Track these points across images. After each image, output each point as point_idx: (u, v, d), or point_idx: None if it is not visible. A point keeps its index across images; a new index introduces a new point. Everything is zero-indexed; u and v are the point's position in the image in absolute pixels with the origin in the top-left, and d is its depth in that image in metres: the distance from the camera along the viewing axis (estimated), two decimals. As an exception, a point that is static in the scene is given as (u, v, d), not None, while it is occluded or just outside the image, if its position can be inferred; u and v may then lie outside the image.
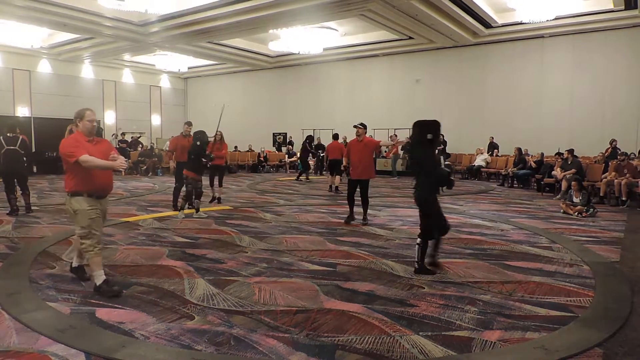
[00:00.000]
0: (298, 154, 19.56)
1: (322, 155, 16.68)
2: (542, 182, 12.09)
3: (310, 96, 22.01)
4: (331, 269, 4.86)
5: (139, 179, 15.60)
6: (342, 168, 11.82)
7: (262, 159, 20.56)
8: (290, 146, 20.94)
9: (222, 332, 3.27)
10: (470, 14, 14.23)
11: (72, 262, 4.47)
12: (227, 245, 5.94)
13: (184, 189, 8.15)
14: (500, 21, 15.31)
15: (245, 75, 24.01)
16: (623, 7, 13.49)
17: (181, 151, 8.31)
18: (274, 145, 22.86)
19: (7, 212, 8.07)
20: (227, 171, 14.35)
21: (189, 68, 22.57)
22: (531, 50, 16.42)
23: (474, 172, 15.94)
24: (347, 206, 7.73)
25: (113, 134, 20.93)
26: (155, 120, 25.12)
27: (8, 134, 7.98)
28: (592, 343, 3.11)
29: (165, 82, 25.68)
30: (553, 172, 11.52)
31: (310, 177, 15.74)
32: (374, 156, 17.48)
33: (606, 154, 12.69)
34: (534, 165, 13.01)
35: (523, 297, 4.00)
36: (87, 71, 21.92)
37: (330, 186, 12.42)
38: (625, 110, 14.66)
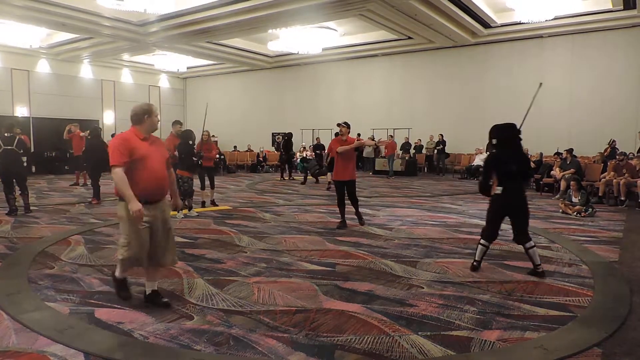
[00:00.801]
0: (298, 154, 19.58)
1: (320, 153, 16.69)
2: (541, 182, 12.10)
3: (310, 96, 22.01)
4: (330, 269, 4.86)
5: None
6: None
7: (261, 159, 20.56)
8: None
9: (221, 332, 3.27)
10: (469, 14, 14.24)
11: (145, 291, 3.82)
12: (226, 245, 5.94)
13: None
14: (499, 21, 15.32)
15: (245, 75, 24.00)
16: (622, 7, 13.51)
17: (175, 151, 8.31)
18: (273, 145, 22.85)
19: (6, 212, 8.06)
20: (216, 172, 14.28)
21: (188, 68, 22.57)
22: (530, 50, 16.45)
23: (472, 172, 15.95)
24: (347, 207, 7.68)
25: (112, 134, 20.86)
26: (155, 120, 25.09)
27: (5, 134, 7.97)
28: (591, 343, 3.11)
29: (164, 82, 25.66)
30: (552, 172, 11.53)
31: (286, 178, 15.73)
32: (374, 156, 17.66)
33: (605, 154, 12.70)
34: (532, 165, 13.01)
35: (522, 297, 4.01)
36: (86, 71, 21.90)
37: (329, 183, 12.61)
38: (624, 110, 14.67)
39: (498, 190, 4.54)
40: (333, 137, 13.31)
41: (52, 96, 20.36)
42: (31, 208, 8.40)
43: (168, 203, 3.85)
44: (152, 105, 3.71)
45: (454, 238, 6.38)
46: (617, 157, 10.59)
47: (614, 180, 9.83)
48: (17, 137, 8.02)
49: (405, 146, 18.40)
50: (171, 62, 20.72)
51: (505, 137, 4.60)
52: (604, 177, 10.31)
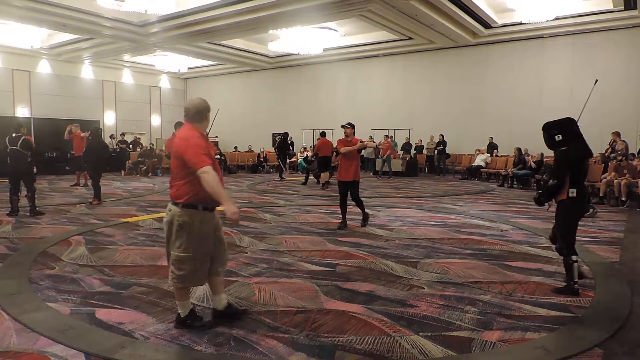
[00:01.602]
0: (298, 154, 19.60)
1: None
2: (541, 183, 12.07)
3: (310, 96, 22.02)
4: (331, 269, 4.86)
5: (138, 180, 15.59)
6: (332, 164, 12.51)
7: (261, 159, 20.57)
8: (290, 147, 20.91)
9: (222, 332, 3.27)
10: (469, 14, 14.24)
11: (214, 308, 3.51)
12: (227, 245, 5.92)
13: None
14: (499, 21, 15.32)
15: (245, 76, 24.02)
16: (622, 8, 13.50)
17: None
18: (273, 146, 22.86)
19: (7, 212, 8.06)
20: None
21: (188, 68, 22.58)
22: (531, 50, 16.43)
23: (473, 172, 15.95)
24: (347, 207, 7.68)
25: (111, 135, 20.85)
26: (155, 120, 25.12)
27: (13, 134, 8.02)
28: (591, 343, 3.11)
29: (165, 83, 25.67)
30: (553, 173, 11.50)
31: (283, 177, 15.81)
32: (374, 156, 17.65)
33: (606, 154, 12.68)
34: (533, 165, 13.00)
35: (523, 298, 4.00)
36: (86, 71, 21.91)
37: (323, 182, 13.16)
38: (625, 110, 14.66)
39: (572, 192, 4.06)
40: (320, 136, 13.77)
41: (53, 97, 20.38)
42: (38, 209, 8.24)
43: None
44: (206, 101, 3.37)
45: (455, 238, 6.38)
46: (617, 157, 10.58)
47: (615, 181, 9.82)
48: (23, 138, 8.03)
49: (406, 146, 18.41)
50: (172, 62, 20.72)
51: (575, 131, 4.20)
52: (605, 178, 10.30)
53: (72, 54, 19.52)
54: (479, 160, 15.78)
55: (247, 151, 21.39)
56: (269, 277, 4.59)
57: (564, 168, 4.10)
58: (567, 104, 15.63)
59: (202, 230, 3.18)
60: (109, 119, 22.76)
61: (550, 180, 4.19)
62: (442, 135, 17.22)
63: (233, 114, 24.08)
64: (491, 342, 3.14)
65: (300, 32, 15.80)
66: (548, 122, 4.32)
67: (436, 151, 17.51)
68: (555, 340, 3.17)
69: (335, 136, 15.49)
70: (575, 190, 4.05)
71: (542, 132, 4.33)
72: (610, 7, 13.59)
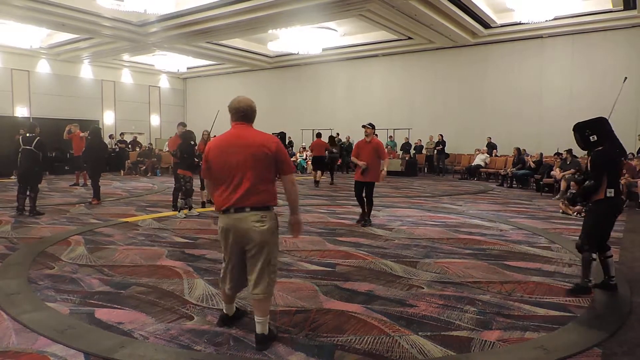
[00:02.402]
0: (298, 155, 19.60)
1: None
2: (541, 182, 12.10)
3: (310, 96, 22.01)
4: (330, 269, 4.86)
5: (137, 179, 15.59)
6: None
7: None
8: (290, 147, 20.92)
9: (222, 332, 3.26)
10: (469, 14, 14.24)
11: (226, 313, 3.38)
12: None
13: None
14: (499, 21, 15.33)
15: (245, 76, 24.00)
16: (622, 8, 13.51)
17: None
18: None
19: (15, 210, 8.13)
20: None
21: (188, 68, 22.57)
22: (530, 50, 16.44)
23: (472, 172, 15.96)
24: (346, 207, 7.71)
25: (110, 135, 20.79)
26: (155, 120, 25.11)
27: (27, 134, 8.04)
28: (591, 343, 3.12)
29: (164, 82, 25.67)
30: (552, 172, 11.53)
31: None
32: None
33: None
34: (533, 165, 13.03)
35: (522, 297, 4.01)
36: (86, 71, 21.90)
37: (316, 181, 13.56)
38: (624, 111, 14.65)
39: (610, 192, 4.03)
40: (315, 136, 13.93)
41: (52, 96, 20.37)
42: (38, 210, 8.21)
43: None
44: None
45: (454, 238, 6.38)
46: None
47: (614, 181, 9.81)
48: (37, 139, 8.04)
49: (405, 146, 18.42)
50: (171, 62, 20.72)
51: (608, 130, 4.16)
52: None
53: (71, 54, 19.52)
54: (478, 160, 15.79)
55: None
56: (268, 277, 4.58)
57: (601, 169, 4.07)
58: (566, 104, 15.66)
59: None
60: (108, 118, 22.75)
61: (587, 181, 4.16)
62: (442, 135, 17.23)
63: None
64: (490, 341, 3.15)
65: (299, 31, 15.80)
66: (579, 123, 4.30)
67: (435, 151, 17.52)
68: (555, 340, 3.17)
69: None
70: (612, 190, 4.05)
71: (573, 132, 4.33)
72: (610, 7, 13.59)
